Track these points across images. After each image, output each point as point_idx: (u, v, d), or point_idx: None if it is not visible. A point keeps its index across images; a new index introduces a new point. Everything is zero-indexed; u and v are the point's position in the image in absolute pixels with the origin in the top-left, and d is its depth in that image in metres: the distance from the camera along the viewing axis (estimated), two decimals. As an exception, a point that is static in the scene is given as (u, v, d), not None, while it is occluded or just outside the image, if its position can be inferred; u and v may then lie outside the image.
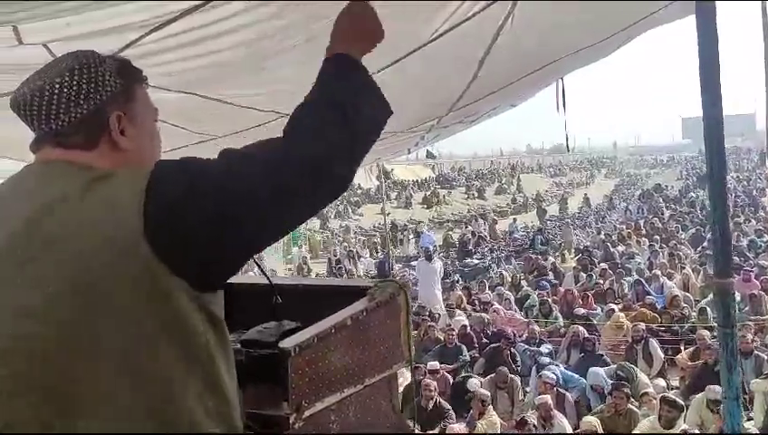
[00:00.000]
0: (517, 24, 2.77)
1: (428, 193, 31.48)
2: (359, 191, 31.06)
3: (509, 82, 3.80)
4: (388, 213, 15.39)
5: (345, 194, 30.75)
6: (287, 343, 1.04)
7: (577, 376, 6.63)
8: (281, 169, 0.89)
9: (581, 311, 9.09)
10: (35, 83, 0.96)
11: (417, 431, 1.57)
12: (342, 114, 0.95)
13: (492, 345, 7.62)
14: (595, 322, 8.69)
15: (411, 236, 20.72)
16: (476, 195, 33.41)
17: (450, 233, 20.95)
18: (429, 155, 9.34)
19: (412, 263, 15.09)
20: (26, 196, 0.93)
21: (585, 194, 30.87)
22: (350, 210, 27.03)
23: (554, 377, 6.23)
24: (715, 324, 7.96)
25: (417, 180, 36.09)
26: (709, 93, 2.21)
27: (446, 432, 5.27)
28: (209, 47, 2.17)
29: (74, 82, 0.95)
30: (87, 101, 0.96)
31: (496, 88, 3.88)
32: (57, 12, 1.69)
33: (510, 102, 5.02)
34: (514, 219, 23.76)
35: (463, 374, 7.04)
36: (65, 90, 0.95)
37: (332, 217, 24.85)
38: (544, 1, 2.58)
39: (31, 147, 1.00)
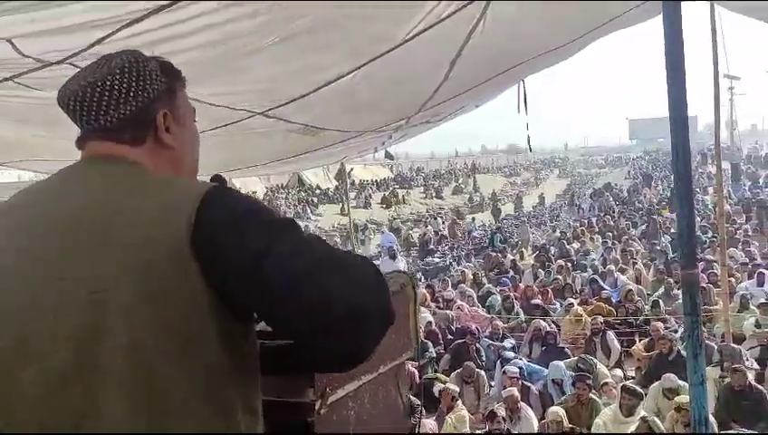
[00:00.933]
0: (489, 26, 2.84)
1: (387, 193, 31.62)
2: (317, 191, 30.86)
3: (478, 82, 3.90)
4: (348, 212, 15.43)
5: (303, 195, 29.87)
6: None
7: (540, 368, 6.84)
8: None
9: (538, 301, 9.38)
10: (85, 80, 0.97)
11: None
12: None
13: (457, 341, 7.75)
14: (554, 316, 8.97)
15: (372, 236, 20.77)
16: (434, 194, 33.80)
17: (410, 232, 21.12)
18: (387, 155, 9.37)
19: (374, 262, 15.12)
20: (76, 190, 0.93)
21: (541, 193, 31.69)
22: (309, 210, 26.85)
23: (517, 371, 6.40)
24: (668, 316, 8.27)
25: (375, 180, 36.18)
26: (675, 94, 2.30)
27: (419, 431, 5.33)
28: (179, 46, 2.14)
29: (124, 80, 0.97)
30: (136, 99, 0.98)
31: (466, 89, 3.97)
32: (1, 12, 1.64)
33: (476, 103, 5.13)
34: (473, 218, 24.14)
35: (429, 374, 7.12)
36: (116, 87, 0.97)
37: (291, 217, 24.59)
38: (517, 1, 2.66)
39: (76, 143, 1.01)
